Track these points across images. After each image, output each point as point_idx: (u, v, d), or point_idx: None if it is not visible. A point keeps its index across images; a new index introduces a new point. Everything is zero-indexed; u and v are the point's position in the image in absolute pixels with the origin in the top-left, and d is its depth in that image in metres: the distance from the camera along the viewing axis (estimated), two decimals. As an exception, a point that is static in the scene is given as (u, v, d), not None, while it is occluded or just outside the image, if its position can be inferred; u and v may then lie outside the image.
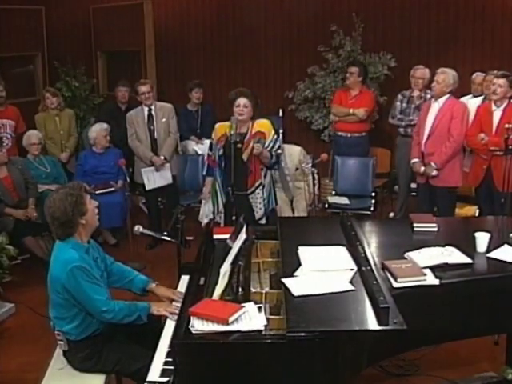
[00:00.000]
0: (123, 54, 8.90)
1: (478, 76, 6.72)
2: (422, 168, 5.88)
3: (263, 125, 5.43)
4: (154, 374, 3.01)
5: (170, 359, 3.05)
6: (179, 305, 3.40)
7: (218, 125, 5.59)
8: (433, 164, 5.76)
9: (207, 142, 6.42)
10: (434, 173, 5.77)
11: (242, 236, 3.50)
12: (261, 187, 5.44)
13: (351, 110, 7.20)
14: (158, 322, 3.58)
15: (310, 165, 6.13)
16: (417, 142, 6.02)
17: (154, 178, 6.67)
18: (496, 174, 5.52)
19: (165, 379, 2.95)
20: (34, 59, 8.78)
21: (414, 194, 6.87)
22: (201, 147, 7.40)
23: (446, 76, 5.75)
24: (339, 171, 7.07)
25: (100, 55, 9.12)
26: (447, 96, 5.79)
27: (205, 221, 5.82)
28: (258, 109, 5.49)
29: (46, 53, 8.80)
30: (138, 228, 4.03)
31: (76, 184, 3.54)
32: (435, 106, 5.85)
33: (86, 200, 3.46)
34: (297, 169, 6.73)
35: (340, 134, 7.40)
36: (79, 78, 8.77)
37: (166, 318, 3.51)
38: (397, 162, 7.17)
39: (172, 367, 2.95)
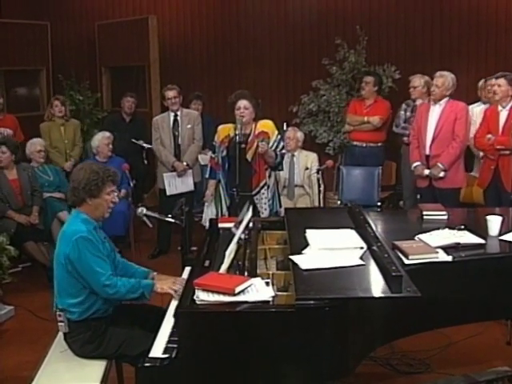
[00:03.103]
0: (127, 68, 8.91)
1: (484, 82, 6.73)
2: (426, 171, 5.80)
3: (266, 125, 5.42)
4: (156, 351, 2.90)
5: (173, 338, 2.94)
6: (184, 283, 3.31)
7: (220, 127, 5.58)
8: (440, 165, 5.67)
9: (210, 153, 6.37)
10: (442, 174, 5.69)
11: (249, 214, 3.42)
12: (265, 187, 5.40)
13: (366, 118, 7.15)
14: (161, 308, 3.49)
15: (316, 170, 6.14)
16: (416, 145, 5.96)
17: (176, 184, 6.60)
18: (504, 173, 5.44)
19: (167, 355, 2.84)
20: (38, 74, 8.78)
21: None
22: (204, 157, 7.33)
23: (445, 79, 5.72)
24: (345, 181, 6.97)
25: (104, 71, 9.11)
26: (447, 98, 5.75)
27: (208, 224, 5.72)
28: (259, 109, 5.48)
29: (50, 68, 8.80)
30: (142, 210, 3.95)
31: (111, 171, 3.50)
32: (436, 109, 5.80)
33: (105, 187, 3.41)
34: (307, 168, 6.68)
35: (355, 143, 7.32)
36: (83, 92, 8.77)
37: (169, 302, 3.42)
38: (401, 170, 7.10)
39: (175, 345, 2.84)
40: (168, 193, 6.59)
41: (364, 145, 7.28)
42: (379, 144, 7.32)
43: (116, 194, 3.53)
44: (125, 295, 3.35)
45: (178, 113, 6.69)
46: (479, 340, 4.57)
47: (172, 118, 6.69)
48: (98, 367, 3.35)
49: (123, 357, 3.42)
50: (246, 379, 2.74)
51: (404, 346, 4.37)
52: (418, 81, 6.84)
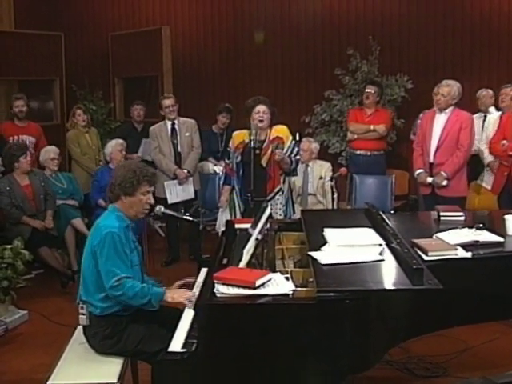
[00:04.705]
0: (140, 79, 8.97)
1: (482, 92, 6.75)
2: (430, 178, 5.79)
3: (281, 130, 5.44)
4: (175, 346, 2.88)
5: (192, 334, 2.92)
6: (197, 292, 3.30)
7: (235, 133, 5.59)
8: (443, 173, 5.66)
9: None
10: (445, 182, 5.67)
11: (267, 212, 3.42)
12: (280, 193, 5.39)
13: (372, 126, 7.14)
14: (178, 309, 3.44)
15: (329, 179, 6.14)
16: (419, 153, 5.95)
17: (177, 192, 6.60)
18: None
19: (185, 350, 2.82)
20: (52, 84, 8.82)
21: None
22: (220, 168, 7.34)
23: (451, 88, 5.70)
24: (357, 189, 6.96)
25: (117, 81, 9.17)
26: (452, 107, 5.74)
27: (222, 230, 5.72)
28: (275, 118, 5.49)
29: (64, 78, 8.84)
30: (160, 208, 3.96)
31: (150, 172, 3.54)
32: (442, 118, 5.77)
33: (140, 187, 3.43)
34: (321, 177, 6.68)
35: (359, 152, 7.30)
36: (96, 102, 8.83)
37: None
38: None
39: (194, 341, 2.82)
40: (169, 201, 6.54)
41: (368, 153, 7.26)
42: (382, 152, 7.33)
43: (151, 195, 3.55)
44: (132, 299, 3.30)
45: (176, 121, 6.72)
46: (496, 345, 4.55)
47: (170, 127, 6.72)
48: (114, 365, 3.34)
49: (141, 354, 3.40)
50: (265, 372, 2.72)
51: (420, 351, 4.35)
52: None
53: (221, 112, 7.59)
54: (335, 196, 5.97)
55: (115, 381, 3.23)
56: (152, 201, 3.55)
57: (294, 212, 5.60)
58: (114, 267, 3.29)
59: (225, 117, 7.58)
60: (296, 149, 5.44)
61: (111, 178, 3.53)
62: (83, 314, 3.44)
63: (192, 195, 6.72)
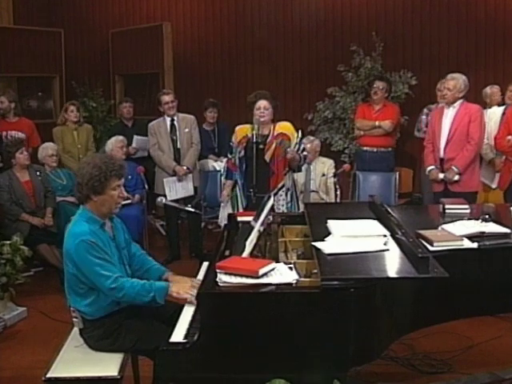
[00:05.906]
0: (141, 76, 8.95)
1: (493, 89, 6.74)
2: (441, 175, 5.71)
3: (285, 127, 5.37)
4: (176, 337, 2.84)
5: (194, 325, 2.89)
6: None
7: (238, 127, 5.53)
8: (455, 168, 5.57)
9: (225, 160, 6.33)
10: (456, 177, 5.60)
11: (269, 203, 3.36)
12: (284, 189, 5.31)
13: (377, 123, 7.05)
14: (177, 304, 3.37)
15: (332, 175, 6.09)
16: (430, 149, 5.85)
17: (176, 189, 6.54)
18: None
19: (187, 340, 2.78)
20: (51, 81, 8.79)
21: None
22: (220, 164, 7.29)
23: (457, 82, 5.62)
24: (361, 186, 6.90)
25: (118, 78, 9.15)
26: (461, 100, 5.67)
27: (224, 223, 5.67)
28: (278, 111, 5.44)
29: (64, 75, 8.81)
30: (162, 199, 3.91)
31: (116, 164, 3.27)
32: (450, 112, 5.70)
33: (109, 183, 3.22)
34: (323, 175, 6.64)
35: (365, 148, 7.21)
36: (96, 99, 8.80)
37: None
38: (422, 175, 6.98)
39: (195, 332, 2.76)
40: (168, 198, 6.37)
41: (375, 150, 7.17)
42: (389, 149, 7.23)
43: (123, 188, 3.35)
44: (134, 298, 3.19)
45: (175, 117, 6.67)
46: (501, 342, 4.51)
47: (169, 123, 6.66)
48: (115, 358, 3.27)
49: (140, 351, 3.35)
50: (268, 361, 2.66)
51: (425, 348, 4.31)
52: None
53: (207, 108, 7.54)
54: (338, 193, 5.91)
55: (116, 374, 3.16)
56: (124, 194, 3.36)
57: (298, 209, 5.53)
58: (103, 270, 3.15)
59: (212, 111, 7.54)
60: (302, 145, 5.39)
61: (76, 177, 3.32)
62: (76, 318, 3.36)
63: (191, 192, 6.65)
